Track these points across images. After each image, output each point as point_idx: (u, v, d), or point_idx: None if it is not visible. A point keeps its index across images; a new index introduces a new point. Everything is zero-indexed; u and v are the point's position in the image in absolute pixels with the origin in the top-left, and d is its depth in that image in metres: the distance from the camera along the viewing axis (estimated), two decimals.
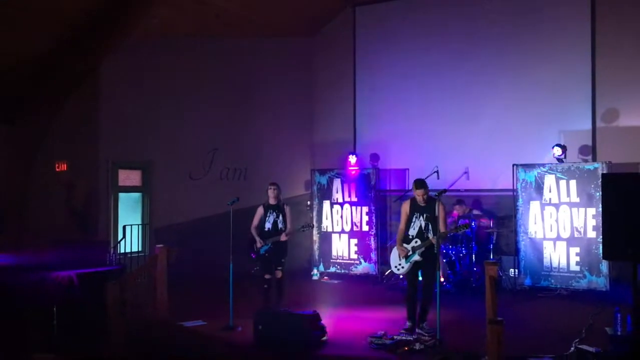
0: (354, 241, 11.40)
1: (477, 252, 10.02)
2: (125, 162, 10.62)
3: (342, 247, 11.52)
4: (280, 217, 8.39)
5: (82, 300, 7.75)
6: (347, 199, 11.52)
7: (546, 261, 9.69)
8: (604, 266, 9.26)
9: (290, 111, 12.93)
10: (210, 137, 11.61)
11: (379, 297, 9.75)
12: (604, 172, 8.99)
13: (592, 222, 9.37)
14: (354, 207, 11.45)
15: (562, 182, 9.63)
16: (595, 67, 10.58)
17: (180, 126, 11.15)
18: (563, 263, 9.57)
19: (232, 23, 11.24)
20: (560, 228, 9.62)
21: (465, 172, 11.09)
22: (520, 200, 9.94)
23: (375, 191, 11.34)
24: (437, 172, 10.46)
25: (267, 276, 8.31)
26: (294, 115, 13.06)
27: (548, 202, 9.73)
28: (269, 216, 8.39)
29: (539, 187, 9.80)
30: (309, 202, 12.01)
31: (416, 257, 7.22)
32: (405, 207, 7.41)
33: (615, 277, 9.38)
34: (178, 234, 10.63)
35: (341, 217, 11.56)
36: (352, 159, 11.52)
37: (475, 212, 10.63)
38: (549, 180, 9.73)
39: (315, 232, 11.60)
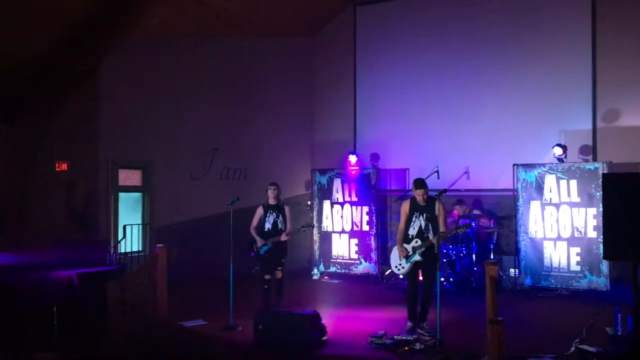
0: (354, 241, 11.41)
1: (478, 252, 10.01)
2: (126, 162, 10.61)
3: (343, 247, 11.52)
4: (280, 218, 8.39)
5: (83, 300, 7.75)
6: (347, 198, 11.53)
7: (546, 261, 9.69)
8: (605, 266, 9.26)
9: (290, 111, 12.93)
10: (211, 137, 11.61)
11: (379, 296, 9.75)
12: (605, 172, 8.99)
13: (592, 222, 9.38)
14: (354, 207, 11.45)
15: (563, 182, 9.63)
16: (596, 67, 10.57)
17: (180, 126, 11.14)
18: (563, 263, 9.57)
19: (232, 23, 11.24)
20: (560, 228, 9.62)
21: (466, 172, 11.09)
22: (520, 200, 9.94)
23: (376, 191, 11.35)
24: (437, 172, 10.46)
25: (267, 276, 8.31)
26: (295, 115, 13.05)
27: (548, 202, 9.73)
28: (269, 216, 8.39)
29: (540, 187, 9.80)
30: (309, 202, 12.01)
31: (417, 257, 7.22)
32: (405, 206, 7.40)
33: (615, 277, 9.38)
34: (178, 233, 10.63)
35: (341, 217, 11.56)
36: (353, 158, 11.53)
37: (476, 212, 10.63)
38: (550, 180, 9.73)
39: (315, 231, 11.60)
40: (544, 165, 9.87)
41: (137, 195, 10.96)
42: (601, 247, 8.56)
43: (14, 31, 9.10)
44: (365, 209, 11.35)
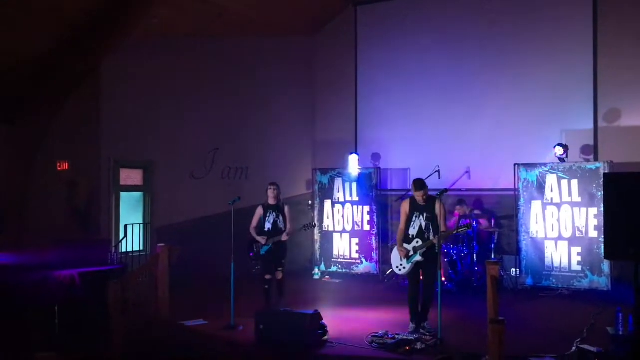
0: (355, 240, 11.41)
1: (479, 251, 10.01)
2: (127, 162, 10.63)
3: (344, 247, 11.52)
4: (280, 217, 8.39)
5: (84, 299, 7.76)
6: (348, 198, 11.53)
7: (548, 261, 9.69)
8: (606, 266, 9.25)
9: (291, 110, 12.93)
10: (211, 136, 11.61)
11: (380, 296, 9.75)
12: (606, 171, 8.98)
13: (593, 222, 9.37)
14: (355, 207, 11.45)
15: (564, 182, 9.63)
16: (597, 67, 10.56)
17: (181, 126, 11.15)
18: (565, 263, 9.57)
19: (232, 22, 11.24)
20: (561, 228, 9.62)
21: (467, 172, 11.09)
22: (521, 199, 9.93)
23: (377, 191, 11.35)
24: (438, 171, 10.46)
25: (267, 277, 8.31)
26: (296, 115, 13.05)
27: (550, 201, 9.72)
28: (269, 216, 8.38)
29: (541, 187, 9.80)
30: (310, 202, 12.01)
31: (418, 258, 7.21)
32: (405, 206, 7.39)
33: (616, 277, 9.38)
34: (179, 233, 10.63)
35: (342, 216, 11.56)
36: (354, 158, 11.52)
37: (477, 212, 10.63)
38: (551, 179, 9.72)
39: (316, 231, 11.60)
40: (545, 165, 9.86)
41: (138, 194, 10.97)
42: (602, 246, 8.55)
43: (14, 31, 9.10)
44: (367, 208, 11.35)
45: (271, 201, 8.44)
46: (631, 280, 6.35)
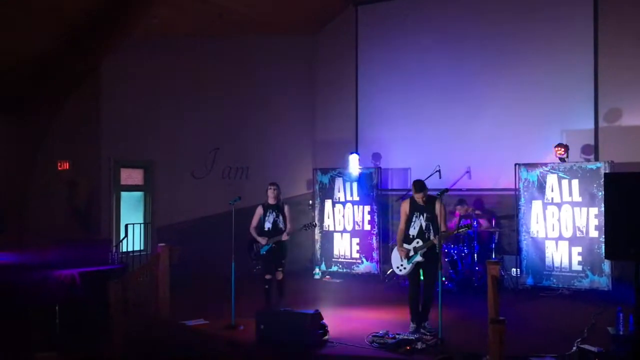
0: (355, 240, 11.40)
1: (479, 251, 10.01)
2: (127, 161, 10.63)
3: (344, 247, 11.52)
4: (280, 217, 8.38)
5: (85, 299, 7.77)
6: (349, 198, 11.52)
7: (548, 261, 9.68)
8: (606, 266, 9.24)
9: (292, 110, 12.93)
10: (211, 136, 11.62)
11: (380, 296, 9.74)
12: (607, 171, 8.97)
13: (594, 222, 9.36)
14: (355, 206, 11.45)
15: (565, 182, 9.62)
16: (598, 67, 10.55)
17: (181, 126, 11.15)
18: (565, 262, 9.56)
19: (233, 22, 11.23)
20: (562, 227, 9.61)
21: (467, 172, 11.08)
22: (522, 199, 9.93)
23: (377, 190, 11.34)
24: (438, 171, 10.45)
25: (267, 276, 8.31)
26: (296, 114, 13.04)
27: (550, 201, 9.72)
28: (269, 216, 8.37)
29: (541, 187, 9.79)
30: (310, 202, 12.01)
31: (418, 258, 7.20)
32: (405, 206, 7.37)
33: (617, 277, 9.37)
34: (180, 233, 10.64)
35: (343, 216, 11.56)
36: (354, 158, 11.52)
37: (477, 212, 10.62)
38: (551, 179, 9.71)
39: (317, 231, 11.60)
40: (545, 164, 9.86)
41: (138, 194, 10.98)
42: (603, 246, 8.54)
43: (14, 31, 9.10)
44: (367, 208, 11.35)
45: (271, 201, 8.44)
46: (632, 280, 6.34)
